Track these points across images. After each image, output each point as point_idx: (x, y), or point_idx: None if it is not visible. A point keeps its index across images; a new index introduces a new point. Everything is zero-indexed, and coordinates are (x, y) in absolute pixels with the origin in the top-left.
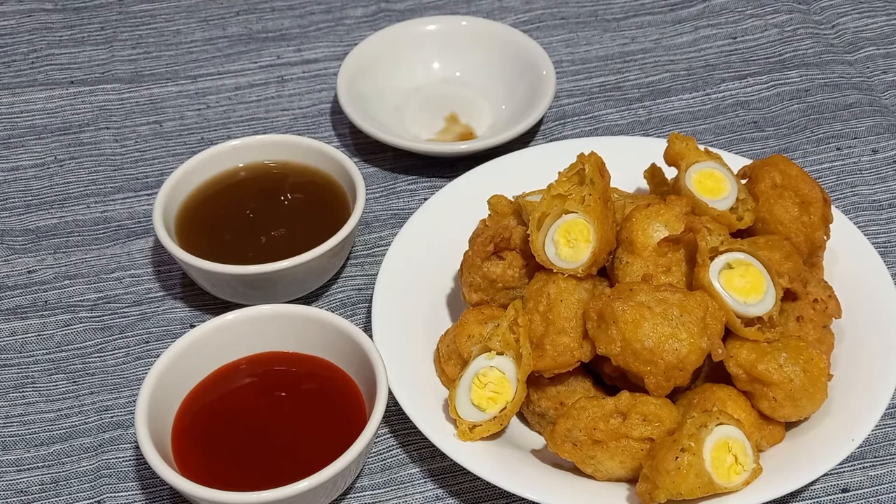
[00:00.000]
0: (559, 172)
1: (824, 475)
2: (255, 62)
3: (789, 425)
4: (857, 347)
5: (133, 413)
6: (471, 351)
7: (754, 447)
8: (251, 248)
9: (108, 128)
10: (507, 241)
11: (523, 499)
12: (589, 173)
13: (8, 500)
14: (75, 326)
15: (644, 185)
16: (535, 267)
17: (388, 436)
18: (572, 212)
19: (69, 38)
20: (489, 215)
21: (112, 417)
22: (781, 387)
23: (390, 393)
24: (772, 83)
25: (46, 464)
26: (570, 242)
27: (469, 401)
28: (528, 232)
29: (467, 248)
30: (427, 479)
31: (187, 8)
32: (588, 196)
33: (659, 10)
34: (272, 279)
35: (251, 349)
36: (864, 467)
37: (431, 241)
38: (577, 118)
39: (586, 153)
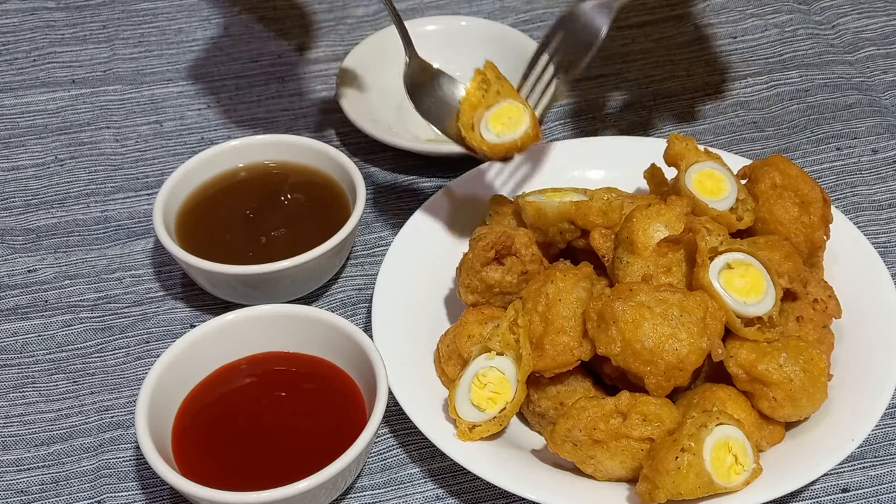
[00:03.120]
0: (467, 87)
1: (824, 475)
2: (256, 62)
3: (789, 425)
4: (857, 347)
5: (133, 413)
6: (471, 351)
7: (754, 447)
8: (251, 248)
9: (108, 127)
10: (509, 248)
11: (523, 499)
12: (491, 75)
13: (8, 500)
14: (76, 326)
15: (644, 185)
16: (533, 274)
17: (388, 436)
18: (502, 100)
19: (71, 37)
20: (489, 216)
21: (112, 417)
22: (781, 387)
23: (390, 393)
24: (772, 83)
25: (47, 464)
26: (505, 123)
27: (469, 401)
28: (473, 143)
29: (467, 248)
30: (427, 479)
31: (189, 7)
32: (502, 88)
33: (659, 10)
34: (272, 279)
35: (251, 349)
36: (864, 467)
37: (431, 241)
38: (577, 118)
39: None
